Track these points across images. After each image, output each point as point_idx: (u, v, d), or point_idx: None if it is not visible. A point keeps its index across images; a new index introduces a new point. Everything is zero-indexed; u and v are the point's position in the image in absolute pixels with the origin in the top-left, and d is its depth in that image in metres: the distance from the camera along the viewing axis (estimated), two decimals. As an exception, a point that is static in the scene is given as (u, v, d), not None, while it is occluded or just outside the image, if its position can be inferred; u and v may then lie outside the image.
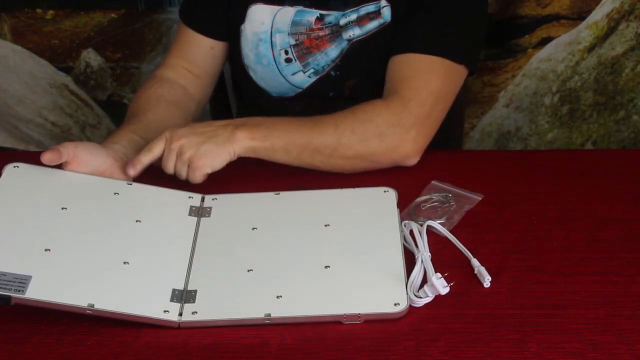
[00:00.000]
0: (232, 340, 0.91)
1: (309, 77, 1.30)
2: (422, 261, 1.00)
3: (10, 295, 0.89)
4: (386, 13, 1.24)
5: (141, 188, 1.11)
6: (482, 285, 0.98)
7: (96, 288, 0.93)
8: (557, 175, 1.18)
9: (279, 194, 1.12)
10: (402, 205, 1.10)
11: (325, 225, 1.05)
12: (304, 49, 1.28)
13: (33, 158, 1.11)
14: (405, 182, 1.10)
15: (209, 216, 1.08)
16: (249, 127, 1.12)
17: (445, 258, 1.01)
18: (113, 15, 1.79)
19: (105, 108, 1.92)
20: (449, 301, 0.95)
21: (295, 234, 1.04)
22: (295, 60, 1.29)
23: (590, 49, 1.73)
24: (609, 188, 1.15)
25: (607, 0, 1.67)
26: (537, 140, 1.85)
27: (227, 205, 1.10)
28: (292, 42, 1.28)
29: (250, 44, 1.30)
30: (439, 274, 0.95)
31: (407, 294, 0.94)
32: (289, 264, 0.99)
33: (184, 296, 0.95)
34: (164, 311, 0.93)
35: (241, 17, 1.30)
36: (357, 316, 0.92)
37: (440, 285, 0.94)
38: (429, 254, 1.01)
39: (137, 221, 1.04)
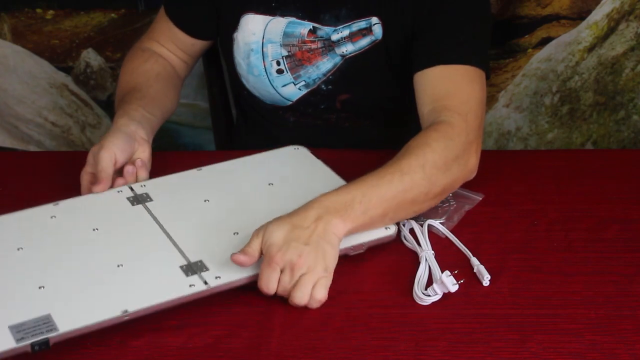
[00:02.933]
0: (232, 340, 0.91)
1: (299, 89, 1.29)
2: (426, 259, 1.00)
3: (47, 337, 0.87)
4: (377, 30, 1.22)
5: (70, 202, 1.09)
6: (482, 285, 0.98)
7: (118, 294, 0.93)
8: (557, 175, 1.18)
9: (201, 169, 1.15)
10: (402, 205, 1.10)
11: (269, 185, 1.12)
12: (296, 60, 1.26)
13: (33, 158, 1.11)
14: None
15: (152, 200, 1.08)
16: (341, 211, 0.98)
17: (445, 258, 1.01)
18: (113, 15, 1.79)
19: (105, 108, 1.92)
20: (449, 301, 0.95)
21: (251, 196, 1.10)
22: (287, 72, 1.27)
23: (590, 49, 1.73)
24: (609, 188, 1.15)
25: (607, 0, 1.68)
26: (537, 140, 1.85)
27: (160, 188, 1.11)
28: (285, 53, 1.26)
29: (242, 53, 1.28)
30: (448, 272, 0.95)
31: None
32: (268, 219, 0.98)
33: (194, 268, 0.96)
34: (190, 285, 0.93)
35: (234, 25, 1.28)
36: (362, 245, 1.01)
37: (450, 282, 0.94)
38: (433, 252, 1.01)
39: (94, 230, 1.04)
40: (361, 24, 1.22)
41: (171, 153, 1.32)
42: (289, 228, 0.95)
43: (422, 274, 0.98)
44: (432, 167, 1.03)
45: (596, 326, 0.92)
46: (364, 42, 1.23)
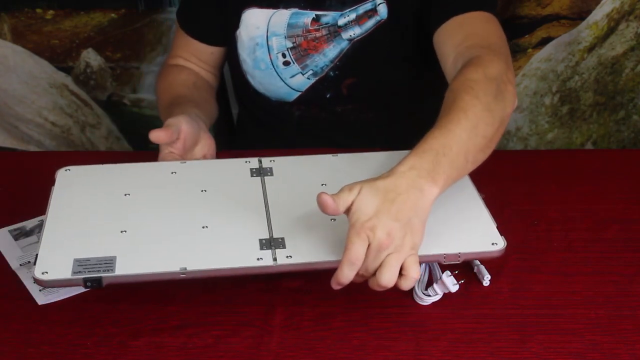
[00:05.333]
0: (232, 340, 0.91)
1: (308, 78, 1.30)
2: (426, 259, 1.00)
3: (100, 276, 0.90)
4: (382, 10, 1.24)
5: (196, 163, 1.12)
6: (482, 285, 0.98)
7: (183, 253, 0.93)
8: (557, 175, 1.18)
9: (336, 155, 1.12)
10: (402, 205, 1.10)
11: None
12: (301, 51, 1.28)
13: (33, 158, 1.12)
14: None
15: (272, 175, 1.08)
16: (432, 171, 0.92)
17: (445, 258, 1.01)
18: (113, 15, 1.79)
19: (105, 108, 1.93)
20: (450, 301, 0.95)
21: None
22: (294, 63, 1.29)
23: (590, 49, 1.73)
24: (609, 188, 1.15)
25: (607, 0, 1.68)
26: (537, 140, 1.85)
27: (287, 166, 1.10)
28: (289, 44, 1.27)
29: (247, 50, 1.30)
30: (448, 272, 0.95)
31: (500, 235, 0.96)
32: None
33: (272, 243, 0.95)
34: (258, 259, 0.92)
35: (236, 23, 1.29)
36: (457, 256, 0.93)
37: (450, 283, 0.94)
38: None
39: (202, 191, 1.05)
40: (367, 5, 1.24)
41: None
42: (381, 200, 0.88)
43: (422, 274, 0.98)
44: (484, 95, 1.00)
45: (596, 326, 0.92)
46: (370, 23, 1.25)
